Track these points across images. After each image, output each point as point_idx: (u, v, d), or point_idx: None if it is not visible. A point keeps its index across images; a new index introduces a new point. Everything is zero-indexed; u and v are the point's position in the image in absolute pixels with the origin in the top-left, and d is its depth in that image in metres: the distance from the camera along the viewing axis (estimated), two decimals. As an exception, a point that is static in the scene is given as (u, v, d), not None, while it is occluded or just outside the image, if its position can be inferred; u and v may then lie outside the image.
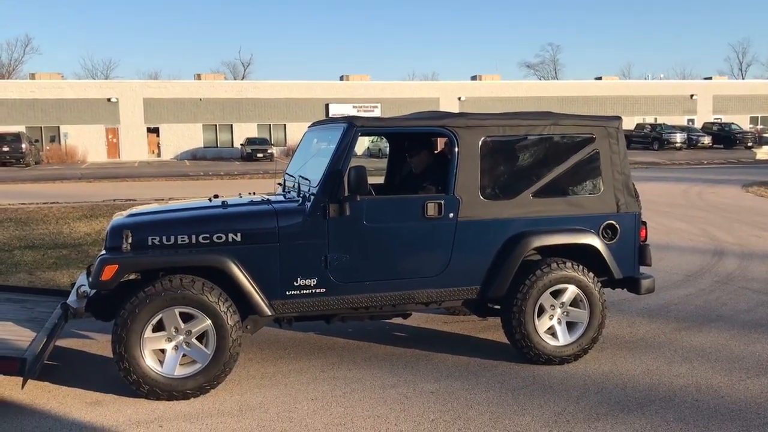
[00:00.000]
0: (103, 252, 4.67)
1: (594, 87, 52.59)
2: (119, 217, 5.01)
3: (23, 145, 35.94)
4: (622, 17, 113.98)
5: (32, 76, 45.71)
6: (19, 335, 4.59)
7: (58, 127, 42.79)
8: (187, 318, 4.54)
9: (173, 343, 4.55)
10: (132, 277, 4.80)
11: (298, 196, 5.07)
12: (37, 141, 40.36)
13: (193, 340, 4.56)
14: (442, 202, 5.00)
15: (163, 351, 4.55)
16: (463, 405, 4.47)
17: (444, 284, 5.07)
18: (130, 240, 4.51)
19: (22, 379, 4.20)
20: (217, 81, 47.74)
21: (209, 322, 4.52)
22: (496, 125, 5.16)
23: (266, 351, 5.59)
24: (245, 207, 5.03)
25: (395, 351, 5.57)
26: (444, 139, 5.53)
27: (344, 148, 4.86)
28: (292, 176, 5.54)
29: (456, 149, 5.06)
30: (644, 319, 6.48)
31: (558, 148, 5.31)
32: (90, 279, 4.61)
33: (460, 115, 5.22)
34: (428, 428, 4.12)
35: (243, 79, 70.58)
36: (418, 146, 5.79)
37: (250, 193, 5.75)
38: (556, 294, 5.17)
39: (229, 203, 5.10)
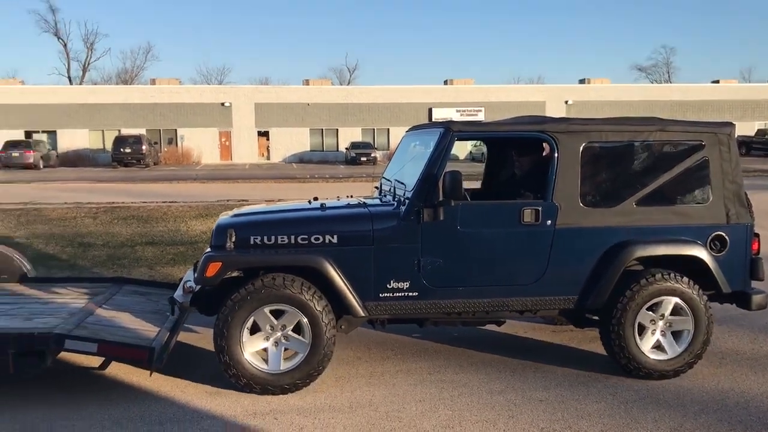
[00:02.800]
0: (209, 249, 4.90)
1: (710, 90, 50.01)
2: (225, 216, 5.24)
3: (143, 147, 38.10)
4: (740, 17, 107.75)
5: (153, 82, 48.35)
6: (145, 326, 4.91)
7: (176, 130, 45.09)
8: (282, 315, 4.70)
9: (272, 340, 4.72)
10: (235, 274, 4.99)
11: (394, 200, 5.13)
12: (156, 143, 42.68)
13: (290, 332, 4.71)
14: (540, 208, 4.93)
15: (264, 349, 4.73)
16: (573, 415, 4.39)
17: (540, 293, 4.99)
18: (233, 239, 4.72)
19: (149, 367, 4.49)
20: (324, 86, 48.89)
21: (306, 320, 4.66)
22: (599, 131, 5.04)
23: (374, 351, 5.70)
24: (342, 210, 5.14)
25: (501, 358, 5.54)
26: (544, 145, 5.45)
27: (440, 153, 4.88)
28: (388, 180, 5.61)
29: (556, 155, 4.98)
30: (767, 335, 6.13)
31: (664, 155, 5.12)
32: (195, 275, 4.86)
33: (561, 119, 5.14)
34: (537, 436, 4.08)
35: (349, 84, 71.90)
36: (516, 151, 5.73)
37: (347, 196, 5.87)
38: (657, 306, 4.99)
39: (327, 206, 5.23)
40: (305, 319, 4.66)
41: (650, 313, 4.98)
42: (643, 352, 4.95)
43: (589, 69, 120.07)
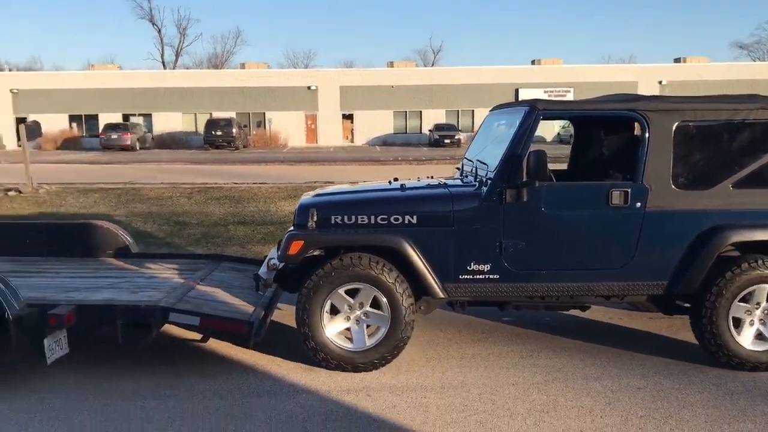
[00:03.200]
0: (292, 228, 4.97)
1: (821, 68, 46.85)
2: (307, 196, 5.30)
3: (234, 130, 39.17)
4: None
5: (242, 66, 49.58)
6: (243, 302, 5.05)
7: (264, 113, 46.10)
8: (358, 293, 4.74)
9: (353, 318, 4.78)
10: (316, 252, 5.05)
11: (475, 180, 5.05)
12: (245, 126, 43.79)
13: (369, 308, 4.76)
14: (629, 190, 4.74)
15: (347, 329, 4.79)
16: (674, 405, 4.24)
17: (627, 277, 4.82)
18: (315, 218, 4.78)
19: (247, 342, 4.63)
20: (409, 68, 48.79)
21: (385, 300, 4.69)
22: (693, 109, 4.80)
23: (464, 333, 5.67)
24: (422, 190, 5.11)
25: (594, 345, 5.40)
26: (634, 124, 5.24)
27: (524, 132, 4.76)
28: (470, 160, 5.52)
29: (647, 134, 4.77)
30: None
31: (765, 135, 4.82)
32: (279, 253, 4.95)
33: (653, 97, 4.92)
34: (637, 424, 3.97)
35: (433, 65, 71.44)
36: (605, 131, 5.52)
37: (428, 177, 5.81)
38: (751, 294, 4.74)
39: (407, 186, 5.20)
40: (384, 298, 4.69)
41: (743, 304, 4.76)
42: (738, 342, 4.74)
43: (685, 47, 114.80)
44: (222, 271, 5.88)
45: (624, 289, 4.87)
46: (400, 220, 4.78)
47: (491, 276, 4.79)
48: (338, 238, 4.82)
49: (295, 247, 4.74)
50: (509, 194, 4.68)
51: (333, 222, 4.82)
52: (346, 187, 5.81)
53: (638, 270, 4.81)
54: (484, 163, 5.02)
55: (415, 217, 4.78)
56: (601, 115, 5.14)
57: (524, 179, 4.66)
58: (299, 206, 5.00)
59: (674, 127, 4.78)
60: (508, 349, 5.27)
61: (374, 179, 6.31)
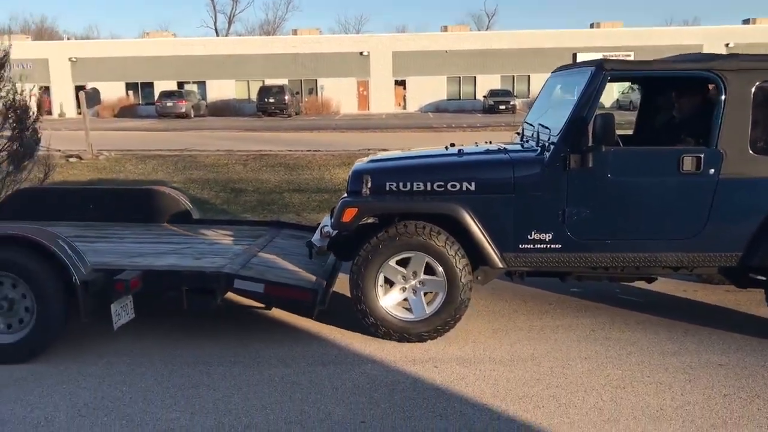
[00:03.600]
0: (345, 195, 4.83)
1: None
2: (360, 162, 5.15)
3: (286, 97, 39.24)
4: None
5: (294, 32, 49.42)
6: (305, 269, 4.97)
7: (316, 80, 46.01)
8: (410, 262, 4.60)
9: (409, 288, 4.64)
10: (371, 220, 4.93)
11: (537, 145, 4.81)
12: (297, 93, 43.81)
13: (423, 275, 4.61)
14: (702, 155, 4.45)
15: (405, 299, 4.67)
16: (760, 383, 4.00)
17: (697, 248, 4.56)
18: (369, 185, 4.62)
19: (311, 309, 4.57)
20: (462, 32, 47.88)
21: (443, 274, 4.54)
22: None
23: (530, 304, 5.49)
24: (481, 156, 4.90)
25: (669, 318, 5.15)
26: (709, 85, 4.90)
27: (590, 94, 4.51)
28: (531, 125, 5.27)
29: (723, 96, 4.46)
30: None
31: None
32: (332, 220, 4.82)
33: (731, 56, 4.58)
34: (721, 403, 3.75)
35: (487, 29, 70.00)
36: (676, 93, 5.18)
37: (486, 143, 5.59)
38: None
39: (465, 152, 5.00)
40: (437, 263, 4.55)
41: None
42: None
43: (754, 7, 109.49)
44: (283, 239, 5.82)
45: (694, 260, 4.61)
46: (458, 186, 4.60)
47: (553, 246, 4.59)
48: (393, 206, 4.67)
49: (349, 215, 4.62)
50: (573, 160, 4.46)
51: (388, 189, 4.66)
52: (400, 153, 5.62)
53: (710, 240, 4.55)
54: (546, 128, 4.79)
55: (473, 183, 4.59)
56: (674, 75, 4.82)
57: (590, 144, 4.42)
58: (353, 172, 4.86)
59: (754, 89, 4.46)
60: (577, 322, 5.08)
61: (428, 146, 6.09)
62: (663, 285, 5.81)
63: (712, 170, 4.47)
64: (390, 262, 4.59)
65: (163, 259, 4.80)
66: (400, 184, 4.65)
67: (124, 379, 4.05)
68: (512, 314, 5.26)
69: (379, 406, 3.70)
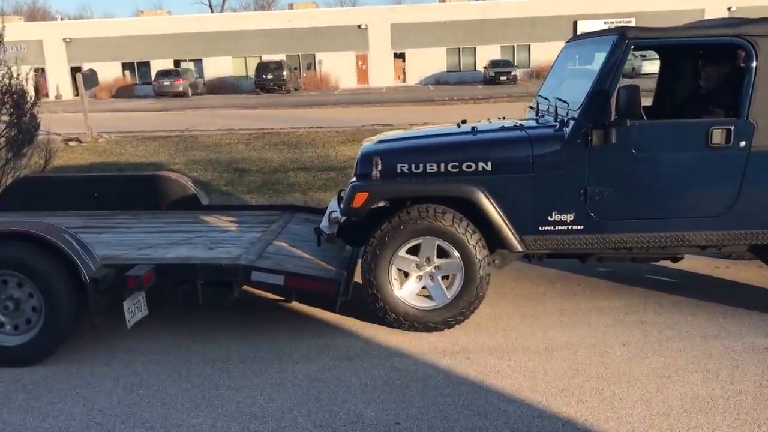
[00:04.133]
0: (354, 179, 4.58)
1: None
2: (369, 143, 4.87)
3: (284, 73, 38.70)
4: None
5: (290, 6, 48.70)
6: (323, 256, 4.73)
7: (314, 55, 45.37)
8: (420, 249, 4.36)
9: (426, 275, 4.42)
10: (381, 204, 4.68)
11: (555, 120, 4.54)
12: (295, 68, 43.21)
13: (437, 259, 4.38)
14: (732, 127, 4.18)
15: (424, 287, 4.44)
16: (813, 368, 3.78)
17: (726, 226, 4.32)
18: (380, 167, 4.37)
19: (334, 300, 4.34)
20: (461, 2, 47.10)
21: (457, 254, 4.31)
22: None
23: (558, 287, 5.27)
24: (497, 133, 4.63)
25: (704, 300, 4.93)
26: (738, 52, 4.60)
27: (613, 65, 4.22)
28: (545, 99, 4.98)
29: (754, 63, 4.18)
30: None
31: None
32: (341, 206, 4.57)
33: (762, 20, 4.28)
34: (775, 392, 3.54)
35: (484, -1, 69.00)
36: (703, 61, 4.88)
37: (499, 118, 5.30)
38: None
39: (479, 129, 4.72)
40: (457, 254, 4.31)
41: None
42: None
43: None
44: (297, 223, 5.56)
45: (723, 238, 4.37)
46: (473, 167, 4.34)
47: (575, 227, 4.35)
48: (406, 189, 4.40)
49: (360, 200, 4.35)
50: (596, 135, 4.18)
51: (399, 171, 4.39)
52: (410, 131, 5.31)
53: (740, 217, 4.31)
54: (564, 101, 4.51)
55: (489, 163, 4.33)
56: (702, 42, 4.55)
57: (613, 118, 4.15)
58: (362, 154, 4.59)
59: None
60: (609, 305, 4.85)
61: (433, 121, 5.75)
62: (693, 262, 5.58)
63: (743, 143, 4.21)
64: (400, 253, 4.35)
65: (174, 250, 4.56)
66: (412, 166, 4.38)
67: (140, 380, 3.83)
68: (540, 297, 5.04)
69: (414, 405, 3.48)
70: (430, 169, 4.37)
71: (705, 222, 4.34)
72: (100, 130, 17.01)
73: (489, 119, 5.42)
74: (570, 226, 4.36)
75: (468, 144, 4.52)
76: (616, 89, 4.16)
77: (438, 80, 44.93)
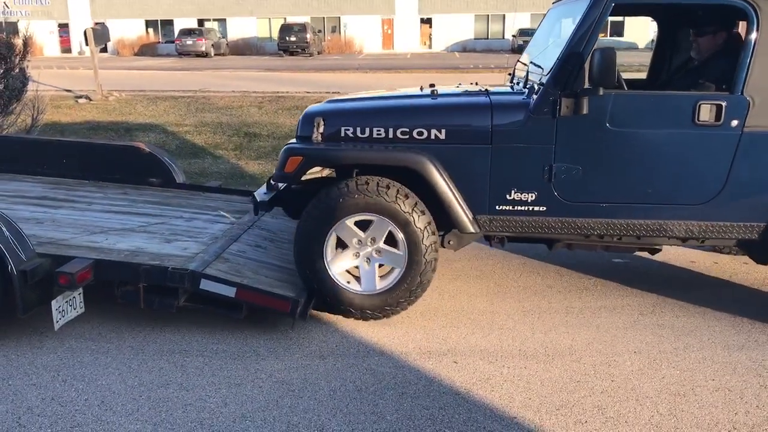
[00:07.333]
0: (293, 141, 4.08)
1: None
2: (317, 105, 4.36)
3: (308, 36, 38.03)
4: None
5: (317, -32, 47.74)
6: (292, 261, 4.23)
7: (339, 17, 44.53)
8: (369, 226, 3.85)
9: (363, 256, 3.92)
10: (326, 172, 4.24)
11: (525, 87, 4.00)
12: (319, 31, 42.46)
13: (382, 245, 3.88)
14: (723, 103, 3.62)
15: (356, 267, 3.96)
16: None
17: (711, 216, 3.79)
18: (321, 129, 3.88)
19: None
20: (492, -33, 45.82)
21: (401, 235, 3.80)
22: None
23: (566, 279, 4.76)
24: (455, 98, 4.12)
25: (732, 302, 4.41)
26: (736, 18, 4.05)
27: (589, 25, 3.65)
28: (524, 64, 4.41)
29: (754, 31, 3.59)
30: None
31: None
32: (275, 170, 4.06)
33: None
34: (809, 422, 3.02)
35: (517, -35, 67.09)
36: (695, 28, 4.25)
37: (471, 83, 4.73)
38: None
39: (439, 93, 4.16)
40: (400, 233, 3.80)
41: None
42: None
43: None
44: (272, 216, 4.99)
45: (706, 230, 3.84)
46: (425, 134, 3.83)
47: (536, 208, 3.84)
48: (344, 155, 3.89)
49: (293, 164, 3.86)
50: (565, 105, 3.64)
51: (343, 134, 3.90)
52: (367, 93, 4.71)
53: (727, 207, 3.77)
54: (539, 66, 3.95)
55: (443, 131, 3.82)
56: (694, 4, 4.00)
57: (585, 86, 3.60)
58: (304, 114, 4.07)
59: None
60: (622, 303, 4.34)
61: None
62: (723, 257, 5.04)
63: (735, 121, 3.65)
64: (347, 222, 3.84)
65: (128, 238, 4.09)
66: (358, 130, 3.88)
67: (83, 373, 3.40)
68: (546, 291, 4.54)
69: (385, 419, 3.02)
70: (378, 134, 3.88)
71: (686, 211, 3.81)
72: (114, 88, 16.61)
73: (459, 84, 4.86)
74: (531, 207, 3.86)
75: (421, 108, 4.02)
76: (591, 52, 3.60)
77: (465, 47, 43.95)
